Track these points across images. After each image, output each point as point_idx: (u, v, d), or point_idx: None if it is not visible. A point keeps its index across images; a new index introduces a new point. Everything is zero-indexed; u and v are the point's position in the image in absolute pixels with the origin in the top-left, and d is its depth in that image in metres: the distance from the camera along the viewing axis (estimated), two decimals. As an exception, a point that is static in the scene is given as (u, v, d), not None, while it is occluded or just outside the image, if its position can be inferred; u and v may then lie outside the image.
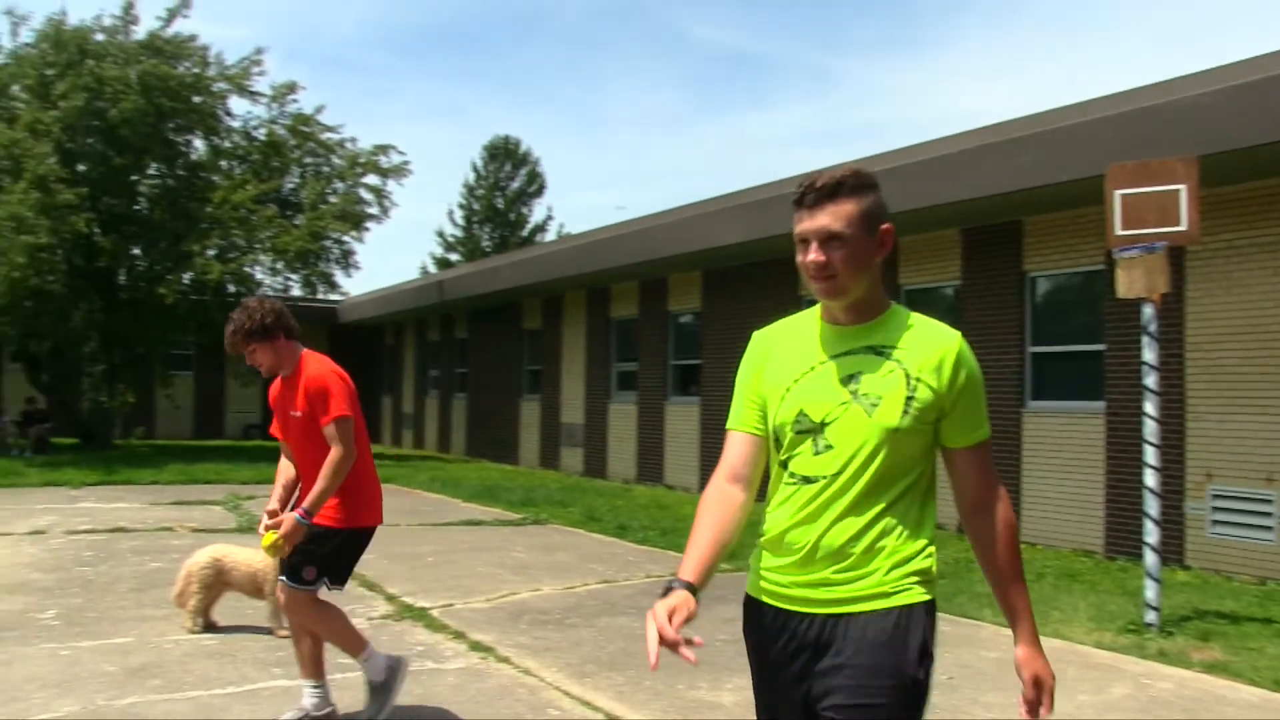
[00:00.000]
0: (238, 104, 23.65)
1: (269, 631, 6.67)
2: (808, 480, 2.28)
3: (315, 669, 4.92)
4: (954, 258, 12.68)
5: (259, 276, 23.00)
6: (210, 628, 6.78)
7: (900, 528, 2.25)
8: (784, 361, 2.38)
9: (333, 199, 23.18)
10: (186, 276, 21.75)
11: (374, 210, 23.79)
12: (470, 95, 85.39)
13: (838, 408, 2.25)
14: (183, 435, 29.63)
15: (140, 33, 22.03)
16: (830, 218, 2.23)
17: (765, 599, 2.45)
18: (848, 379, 2.26)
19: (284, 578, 4.71)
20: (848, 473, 2.24)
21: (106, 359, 22.62)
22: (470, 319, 26.20)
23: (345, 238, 23.51)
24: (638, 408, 18.99)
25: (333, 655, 5.13)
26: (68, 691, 5.35)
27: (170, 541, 10.56)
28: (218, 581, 6.80)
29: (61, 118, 20.07)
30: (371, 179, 23.78)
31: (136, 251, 22.31)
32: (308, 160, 24.15)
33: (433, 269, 46.50)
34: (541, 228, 49.03)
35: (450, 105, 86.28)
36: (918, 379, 2.23)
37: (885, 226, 2.30)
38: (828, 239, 2.23)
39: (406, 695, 5.19)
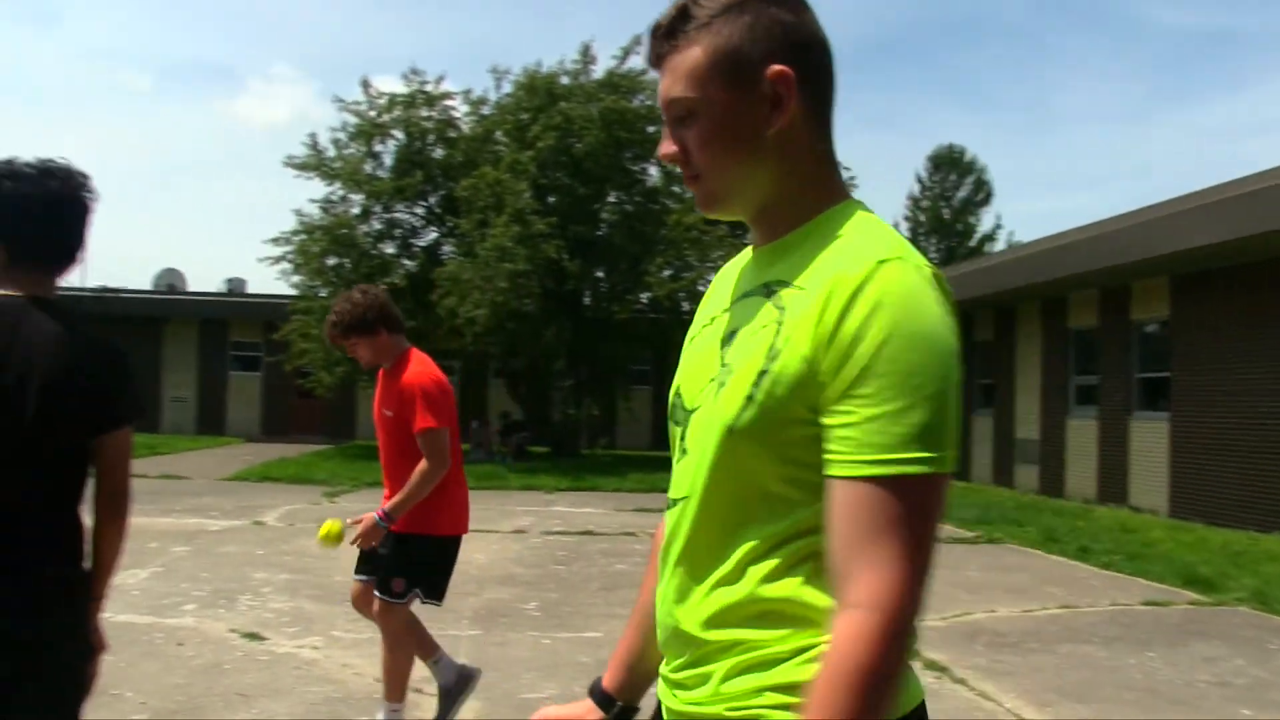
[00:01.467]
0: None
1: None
2: (671, 503, 1.43)
3: (399, 691, 4.65)
4: None
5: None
6: (670, 627, 7.15)
7: (765, 607, 1.28)
8: (698, 314, 1.53)
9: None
10: (644, 296, 23.16)
11: (820, 226, 24.10)
12: (910, 105, 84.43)
13: (706, 387, 1.37)
14: (642, 445, 31.37)
15: (598, 72, 23.84)
16: (670, 79, 1.36)
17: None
18: (728, 339, 1.37)
19: (377, 592, 4.52)
20: (694, 499, 1.36)
21: (574, 374, 24.56)
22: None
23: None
24: (1099, 423, 17.86)
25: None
26: (549, 676, 5.88)
27: (634, 546, 11.25)
28: (677, 584, 7.16)
29: (535, 156, 22.08)
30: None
31: (599, 274, 24.06)
32: (755, 180, 24.90)
33: (877, 282, 46.26)
34: (990, 237, 47.49)
35: (890, 117, 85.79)
36: (788, 337, 1.26)
37: (774, 69, 1.31)
38: (676, 116, 1.37)
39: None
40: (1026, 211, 79.84)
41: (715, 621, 1.31)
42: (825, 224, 1.34)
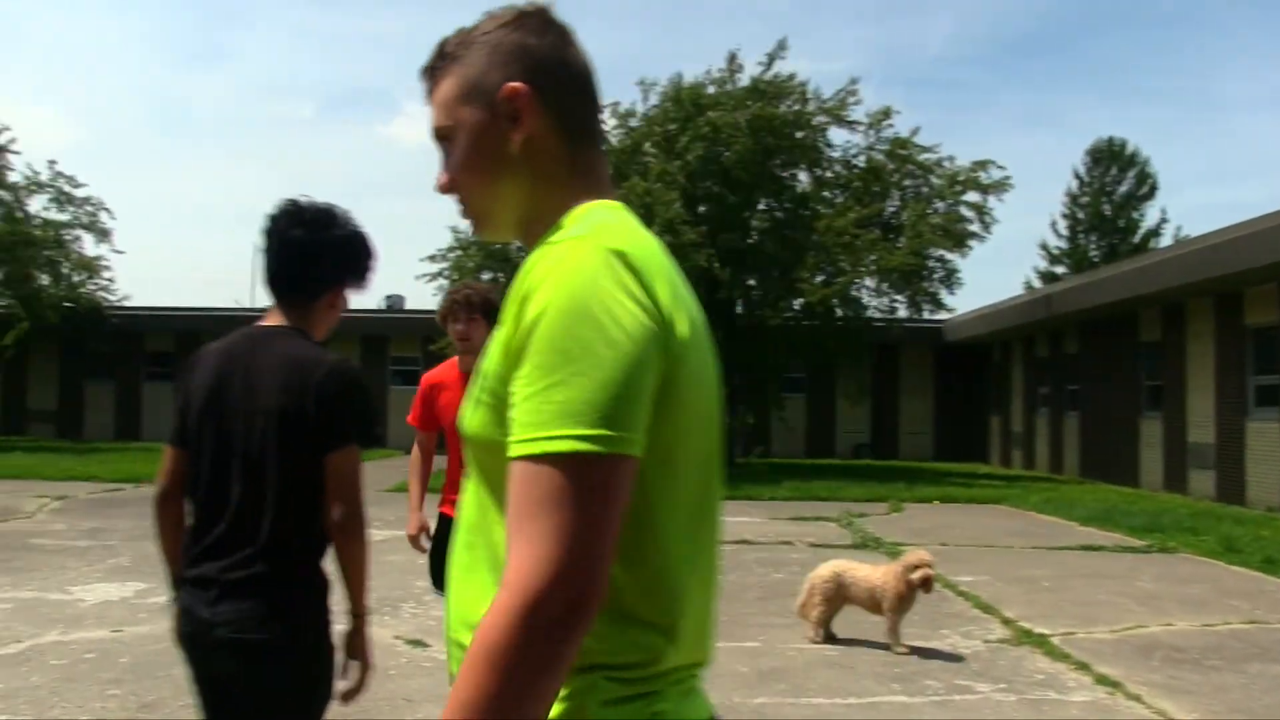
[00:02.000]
0: (837, 134, 24.53)
1: (886, 647, 6.76)
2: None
3: None
4: None
5: (865, 300, 23.70)
6: (830, 639, 7.02)
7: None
8: None
9: (933, 218, 23.26)
10: (796, 303, 22.92)
11: (975, 227, 23.54)
12: (1065, 100, 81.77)
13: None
14: (796, 454, 31.11)
15: (744, 79, 23.72)
16: (432, 112, 1.45)
17: None
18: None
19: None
20: (462, 507, 1.39)
21: (728, 383, 24.48)
22: (1080, 333, 24.94)
23: (948, 256, 23.48)
24: (1282, 425, 16.90)
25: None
26: (707, 685, 5.79)
27: (790, 555, 11.11)
28: (838, 595, 7.03)
29: (684, 166, 22.10)
30: (972, 196, 23.55)
31: (751, 282, 23.93)
32: (906, 182, 24.46)
33: (1036, 283, 44.94)
34: (1155, 232, 45.48)
35: (1045, 113, 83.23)
36: (496, 335, 1.29)
37: (507, 87, 1.37)
38: (442, 146, 1.45)
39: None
40: (1194, 204, 76.31)
41: (456, 622, 1.32)
42: (554, 232, 1.31)
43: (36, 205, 30.40)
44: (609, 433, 1.13)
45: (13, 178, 29.84)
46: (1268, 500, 17.02)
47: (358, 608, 2.59)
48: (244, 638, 2.40)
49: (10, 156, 29.69)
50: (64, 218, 30.43)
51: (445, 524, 4.56)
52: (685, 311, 1.26)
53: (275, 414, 2.47)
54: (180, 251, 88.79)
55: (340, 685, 2.59)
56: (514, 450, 1.16)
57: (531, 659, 1.10)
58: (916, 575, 6.68)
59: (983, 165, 23.46)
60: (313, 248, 2.63)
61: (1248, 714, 5.48)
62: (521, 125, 1.37)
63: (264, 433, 2.47)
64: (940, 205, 23.70)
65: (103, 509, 14.15)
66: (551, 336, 1.16)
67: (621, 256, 1.21)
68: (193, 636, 2.48)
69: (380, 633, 7.00)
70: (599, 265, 1.19)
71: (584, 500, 1.12)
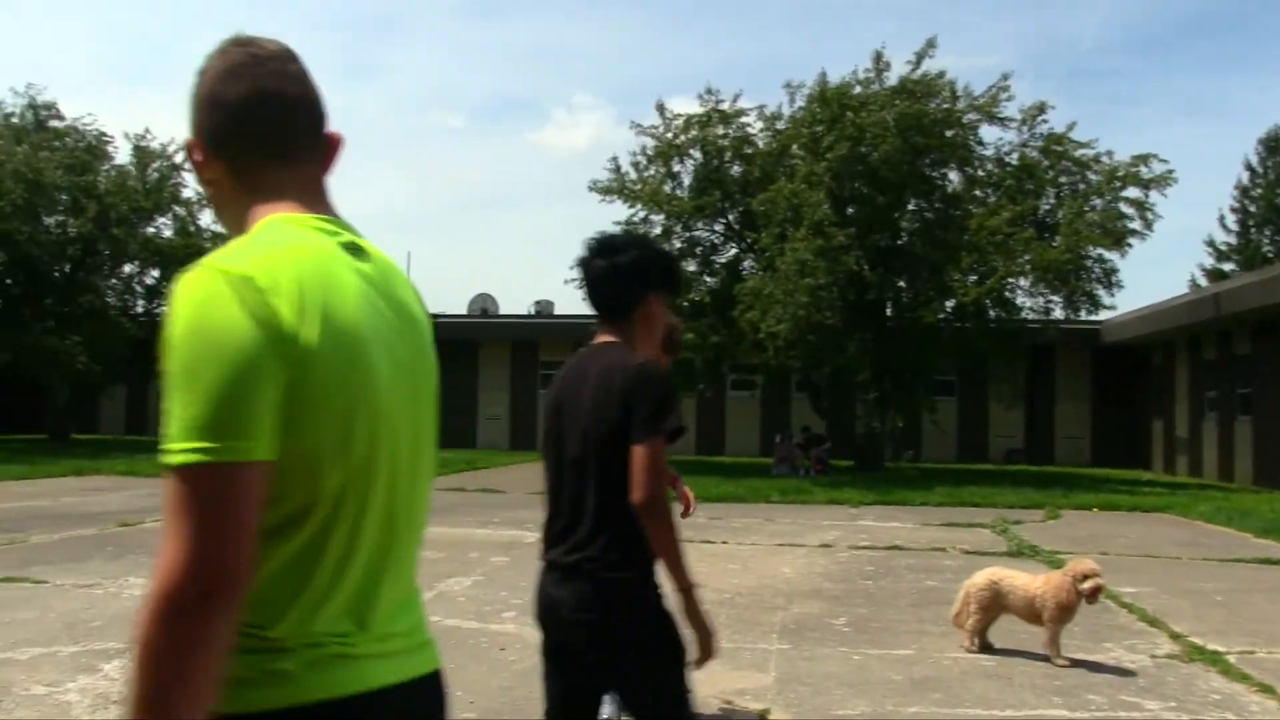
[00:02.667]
0: (988, 132, 24.01)
1: (1045, 659, 6.59)
2: None
3: None
4: None
5: (1019, 299, 23.11)
6: (986, 648, 6.86)
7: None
8: None
9: (1090, 216, 22.53)
10: (948, 304, 22.49)
11: (1136, 224, 22.70)
12: (1233, 85, 78.02)
13: None
14: (947, 458, 30.50)
15: (892, 78, 23.40)
16: None
17: None
18: None
19: None
20: None
21: (877, 386, 24.16)
22: (1253, 333, 23.79)
23: (1107, 255, 22.71)
24: None
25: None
26: (861, 693, 5.76)
27: (943, 561, 10.91)
28: (995, 604, 6.87)
29: (830, 167, 21.92)
30: (1131, 192, 22.73)
31: (901, 283, 23.59)
32: (1062, 179, 23.78)
33: (1202, 281, 43.05)
34: (1339, 225, 43.12)
35: (1211, 100, 79.63)
36: None
37: (186, 142, 1.61)
38: None
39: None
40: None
41: None
42: None
43: (207, 219, 32.04)
44: (216, 444, 1.28)
45: (186, 194, 31.50)
46: None
47: (680, 582, 2.85)
48: (580, 617, 2.84)
49: (183, 174, 31.36)
50: (233, 231, 31.93)
51: None
52: (320, 321, 1.37)
53: (591, 416, 2.88)
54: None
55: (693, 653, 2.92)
56: (162, 463, 1.31)
57: (173, 644, 1.24)
58: (1086, 585, 6.47)
59: (1143, 159, 22.64)
60: (611, 272, 3.05)
61: None
62: (204, 168, 1.57)
63: (584, 434, 2.88)
64: (1098, 202, 22.95)
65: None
66: (173, 357, 1.31)
67: (233, 277, 1.34)
68: (544, 614, 3.00)
69: (534, 633, 7.13)
70: (209, 288, 1.33)
71: (205, 503, 1.27)
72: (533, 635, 6.91)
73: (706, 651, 2.95)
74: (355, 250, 1.51)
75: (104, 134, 30.94)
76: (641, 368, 2.91)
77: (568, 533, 2.93)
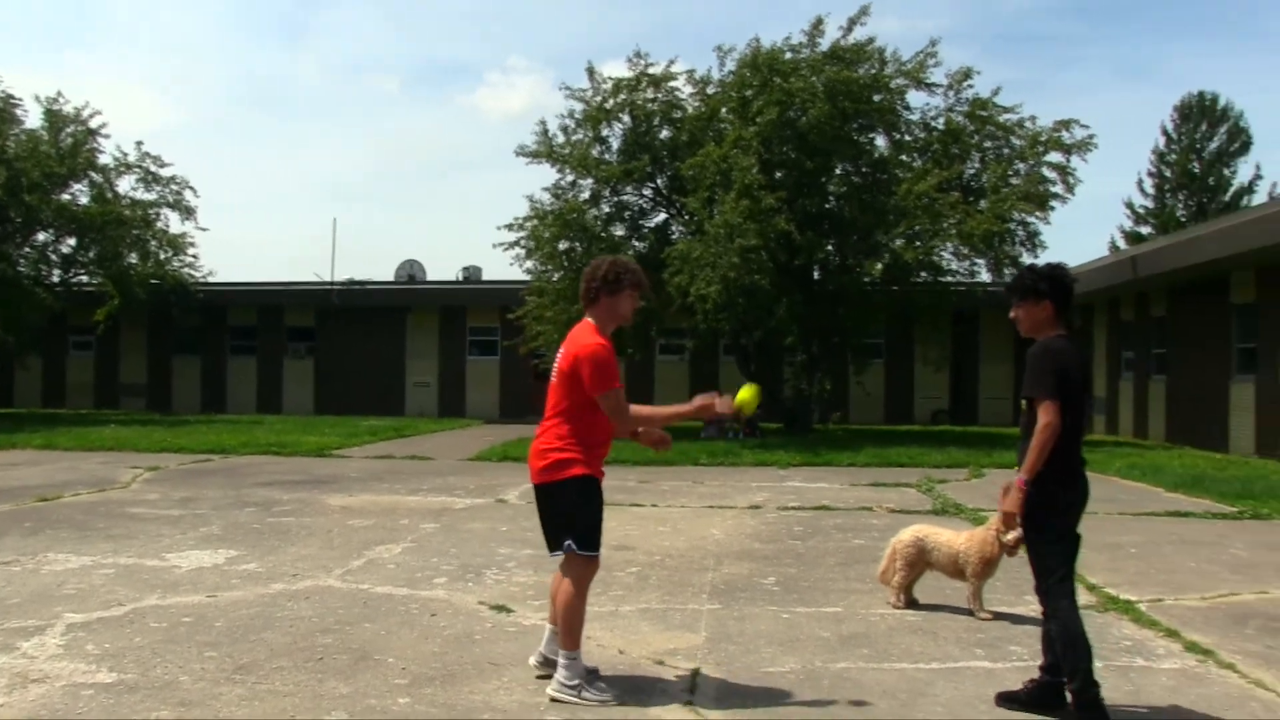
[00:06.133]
0: (915, 97, 24.14)
1: (969, 613, 6.72)
2: None
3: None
4: None
5: (946, 263, 23.36)
6: (912, 604, 6.98)
7: None
8: None
9: (1015, 180, 22.82)
10: (876, 267, 22.68)
11: (1058, 189, 23.04)
12: (1160, 51, 79.40)
13: None
14: (874, 420, 30.90)
15: (825, 45, 23.42)
16: None
17: None
18: None
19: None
20: None
21: (806, 349, 24.33)
22: (1168, 295, 24.34)
23: (1030, 218, 23.03)
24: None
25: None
26: (790, 650, 5.83)
27: (870, 520, 11.06)
28: (920, 560, 6.99)
29: (760, 132, 21.91)
30: (1054, 156, 23.05)
31: (830, 247, 23.71)
32: (987, 144, 24.02)
33: (1122, 244, 43.93)
34: (1248, 189, 44.17)
35: (1137, 66, 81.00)
36: None
37: None
38: None
39: (1114, 691, 4.93)
40: (1292, 161, 73.77)
41: None
42: None
43: (125, 186, 31.28)
44: None
45: (103, 159, 30.69)
46: (1366, 465, 16.56)
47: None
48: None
49: (100, 139, 30.53)
50: (150, 197, 31.26)
51: (593, 484, 5.06)
52: None
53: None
54: (264, 228, 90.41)
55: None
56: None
57: None
58: (1010, 538, 6.59)
59: (1065, 125, 22.94)
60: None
61: (1346, 682, 5.35)
62: None
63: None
64: (1022, 167, 23.24)
65: (193, 479, 14.53)
66: None
67: None
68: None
69: (464, 599, 7.14)
70: None
71: None
72: (463, 600, 6.91)
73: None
74: None
75: (11, 96, 29.88)
76: (1041, 346, 4.82)
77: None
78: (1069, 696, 4.67)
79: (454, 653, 5.64)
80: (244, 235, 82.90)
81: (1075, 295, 5.04)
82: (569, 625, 4.96)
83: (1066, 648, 4.64)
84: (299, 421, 28.12)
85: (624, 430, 5.09)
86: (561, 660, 4.95)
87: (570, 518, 4.97)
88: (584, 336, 5.02)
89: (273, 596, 7.12)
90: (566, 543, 4.95)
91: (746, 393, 4.94)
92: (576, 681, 4.89)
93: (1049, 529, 4.80)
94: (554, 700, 4.87)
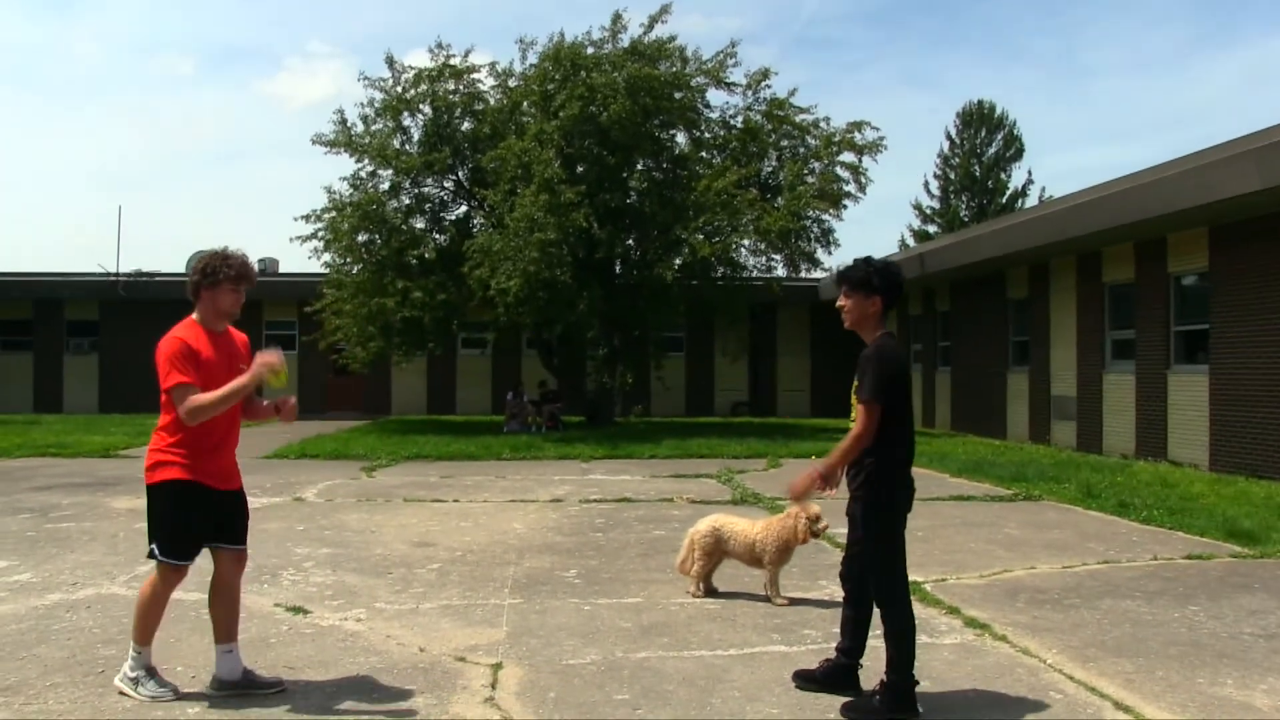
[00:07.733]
0: (715, 96, 24.72)
1: (766, 599, 6.91)
2: None
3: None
4: None
5: (744, 259, 23.93)
6: (711, 593, 7.13)
7: None
8: None
9: (810, 179, 23.57)
10: (676, 262, 23.09)
11: (851, 188, 23.93)
12: (943, 61, 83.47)
13: None
14: (676, 412, 31.38)
15: (626, 40, 23.64)
16: None
17: None
18: None
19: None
20: None
21: (607, 343, 24.52)
22: (952, 291, 25.62)
23: (824, 216, 23.83)
24: (1136, 378, 17.67)
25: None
26: (591, 642, 5.87)
27: (671, 512, 11.23)
28: (717, 550, 7.14)
29: (561, 126, 21.96)
30: (847, 157, 23.93)
31: (630, 242, 23.96)
32: (784, 143, 24.74)
33: (911, 242, 46.01)
34: (1022, 193, 46.98)
35: (923, 74, 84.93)
36: None
37: None
38: None
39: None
40: (1060, 167, 78.80)
41: None
42: None
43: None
44: None
45: None
46: (1122, 448, 17.84)
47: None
48: None
49: None
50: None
51: (189, 489, 4.88)
52: None
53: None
54: (43, 214, 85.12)
55: None
56: None
57: None
58: (822, 525, 6.93)
59: (858, 126, 23.85)
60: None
61: (1102, 647, 5.76)
62: None
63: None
64: (817, 166, 24.02)
65: (-41, 481, 13.57)
66: None
67: None
68: None
69: (259, 601, 6.89)
70: None
71: None
72: (257, 603, 6.66)
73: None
74: None
75: None
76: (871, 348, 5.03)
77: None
78: (878, 683, 4.78)
79: (248, 657, 5.43)
80: (10, 223, 77.85)
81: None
82: (141, 617, 4.91)
83: (900, 640, 4.77)
84: (81, 421, 26.63)
85: (194, 421, 4.78)
86: (131, 651, 4.93)
87: (157, 522, 4.90)
88: (169, 332, 4.99)
89: (48, 608, 6.71)
90: (151, 547, 4.91)
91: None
92: (137, 674, 4.86)
93: (882, 527, 4.91)
94: (120, 692, 4.86)
